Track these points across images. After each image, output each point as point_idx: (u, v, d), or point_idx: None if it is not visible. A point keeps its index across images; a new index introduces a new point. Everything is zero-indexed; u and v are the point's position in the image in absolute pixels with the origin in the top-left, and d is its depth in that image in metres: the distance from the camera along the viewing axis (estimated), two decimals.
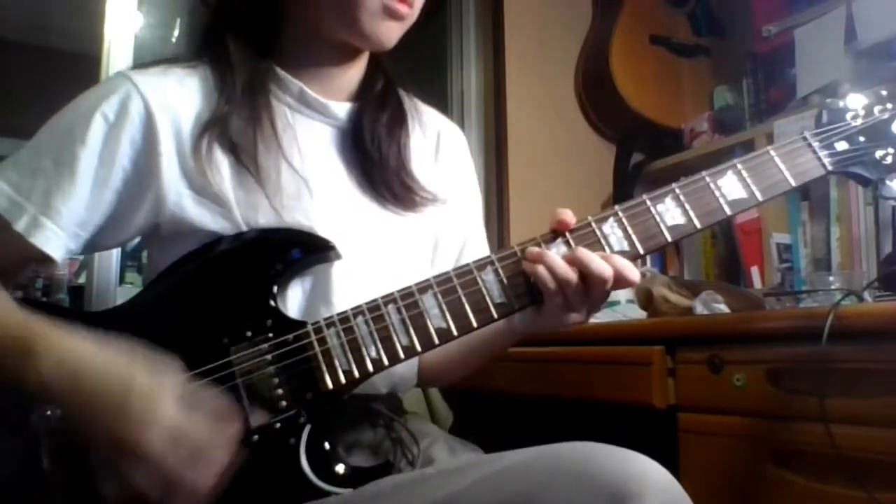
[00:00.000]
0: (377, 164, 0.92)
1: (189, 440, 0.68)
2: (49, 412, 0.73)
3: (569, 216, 0.79)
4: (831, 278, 1.24)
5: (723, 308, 1.19)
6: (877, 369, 0.86)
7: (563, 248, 0.78)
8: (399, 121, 0.97)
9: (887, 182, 0.87)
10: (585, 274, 0.75)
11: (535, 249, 0.77)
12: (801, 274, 1.50)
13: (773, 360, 0.96)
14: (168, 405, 0.68)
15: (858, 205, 1.41)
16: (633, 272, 0.76)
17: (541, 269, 0.75)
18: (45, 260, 0.81)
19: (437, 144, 1.03)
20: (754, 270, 1.63)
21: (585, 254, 0.75)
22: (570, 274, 0.75)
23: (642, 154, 2.12)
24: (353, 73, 0.95)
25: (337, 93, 0.94)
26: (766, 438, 0.96)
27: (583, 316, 0.80)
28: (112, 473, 0.71)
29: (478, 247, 1.04)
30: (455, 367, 1.00)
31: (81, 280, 2.11)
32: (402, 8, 0.86)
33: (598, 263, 0.74)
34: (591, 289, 0.75)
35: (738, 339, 1.02)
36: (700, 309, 1.20)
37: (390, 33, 0.88)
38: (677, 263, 1.89)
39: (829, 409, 0.85)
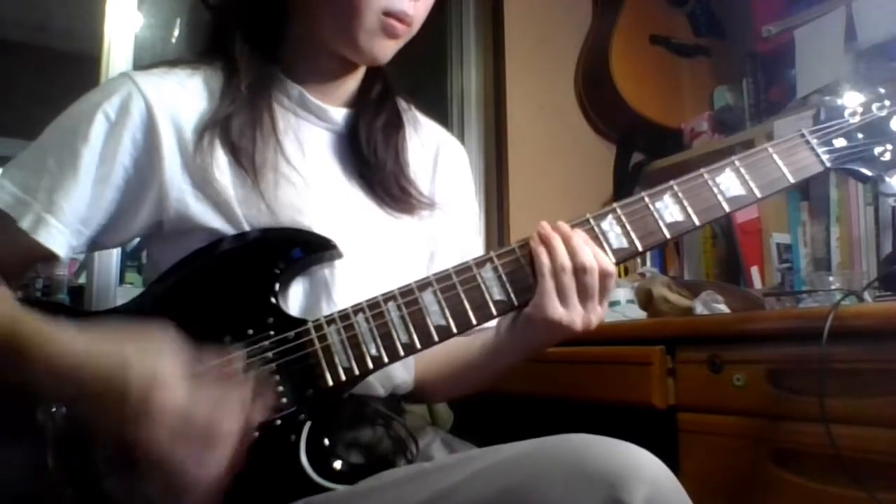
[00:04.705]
0: (374, 168, 0.93)
1: (196, 422, 0.66)
2: (55, 408, 0.73)
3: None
4: (831, 278, 1.24)
5: (723, 308, 1.19)
6: (877, 369, 0.86)
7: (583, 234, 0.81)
8: (395, 126, 0.97)
9: (886, 179, 0.87)
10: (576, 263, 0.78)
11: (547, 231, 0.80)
12: (801, 274, 1.49)
13: (773, 360, 0.96)
14: (169, 388, 0.66)
15: (858, 205, 1.41)
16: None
17: (541, 249, 0.78)
18: (50, 257, 0.82)
19: (436, 157, 1.04)
20: (754, 270, 1.63)
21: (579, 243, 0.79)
22: (567, 260, 0.78)
23: (642, 154, 2.12)
24: (353, 80, 0.96)
25: (336, 98, 0.95)
26: (766, 438, 0.96)
27: (572, 314, 0.80)
28: (119, 471, 0.71)
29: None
30: (446, 386, 0.98)
31: (81, 280, 2.10)
32: (400, 27, 0.87)
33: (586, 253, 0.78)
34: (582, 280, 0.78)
35: (738, 339, 1.02)
36: (700, 309, 1.19)
37: (385, 50, 0.89)
38: (677, 263, 1.88)
39: (829, 409, 0.85)
